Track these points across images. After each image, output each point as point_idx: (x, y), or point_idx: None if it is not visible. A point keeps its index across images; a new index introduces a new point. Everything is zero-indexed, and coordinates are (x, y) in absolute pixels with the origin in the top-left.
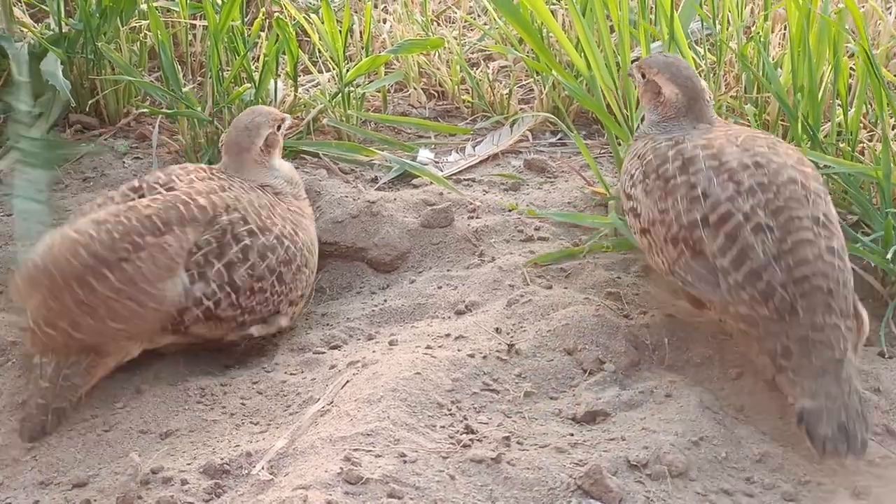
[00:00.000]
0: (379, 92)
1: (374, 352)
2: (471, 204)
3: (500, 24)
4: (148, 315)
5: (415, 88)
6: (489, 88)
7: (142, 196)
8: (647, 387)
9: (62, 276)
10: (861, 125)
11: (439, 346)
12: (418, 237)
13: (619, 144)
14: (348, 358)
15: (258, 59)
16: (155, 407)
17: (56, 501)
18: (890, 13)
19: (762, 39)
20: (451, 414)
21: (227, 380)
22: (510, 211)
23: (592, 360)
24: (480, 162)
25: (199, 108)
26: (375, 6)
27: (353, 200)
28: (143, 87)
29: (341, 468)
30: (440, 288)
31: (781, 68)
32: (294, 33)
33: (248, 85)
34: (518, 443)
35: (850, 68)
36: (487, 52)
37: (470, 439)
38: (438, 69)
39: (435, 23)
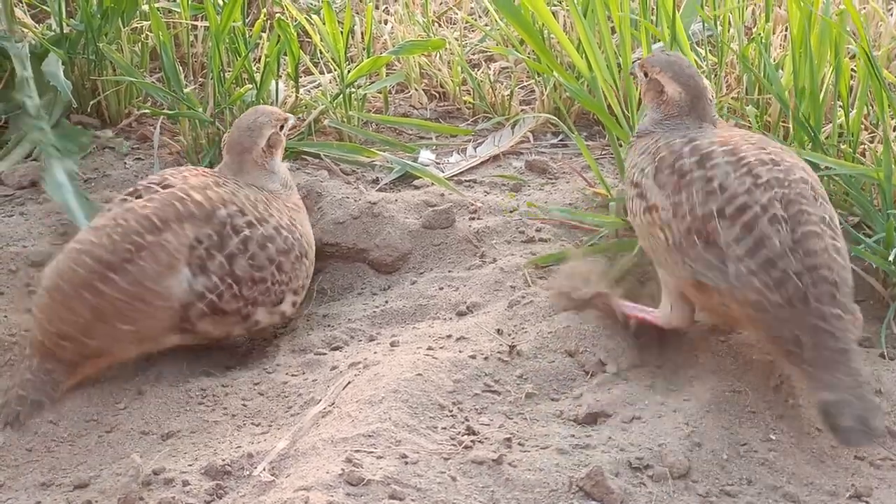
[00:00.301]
0: (380, 93)
1: (375, 353)
2: (472, 205)
3: (501, 26)
4: (157, 313)
5: (416, 89)
6: (490, 89)
7: (139, 197)
8: (649, 388)
9: (71, 286)
10: (862, 126)
11: (441, 348)
12: (419, 238)
13: (621, 146)
14: (349, 359)
15: (259, 59)
16: (156, 408)
17: (57, 502)
18: (891, 14)
19: (763, 41)
20: (452, 415)
21: (228, 381)
22: (511, 212)
23: (594, 361)
24: (482, 163)
25: (200, 109)
26: (377, 7)
27: (355, 201)
28: (145, 88)
29: (343, 469)
30: (441, 289)
31: (783, 70)
32: (295, 34)
33: (250, 86)
34: (519, 444)
35: (852, 70)
36: (489, 54)
37: (471, 440)
38: (440, 70)
39: (436, 24)
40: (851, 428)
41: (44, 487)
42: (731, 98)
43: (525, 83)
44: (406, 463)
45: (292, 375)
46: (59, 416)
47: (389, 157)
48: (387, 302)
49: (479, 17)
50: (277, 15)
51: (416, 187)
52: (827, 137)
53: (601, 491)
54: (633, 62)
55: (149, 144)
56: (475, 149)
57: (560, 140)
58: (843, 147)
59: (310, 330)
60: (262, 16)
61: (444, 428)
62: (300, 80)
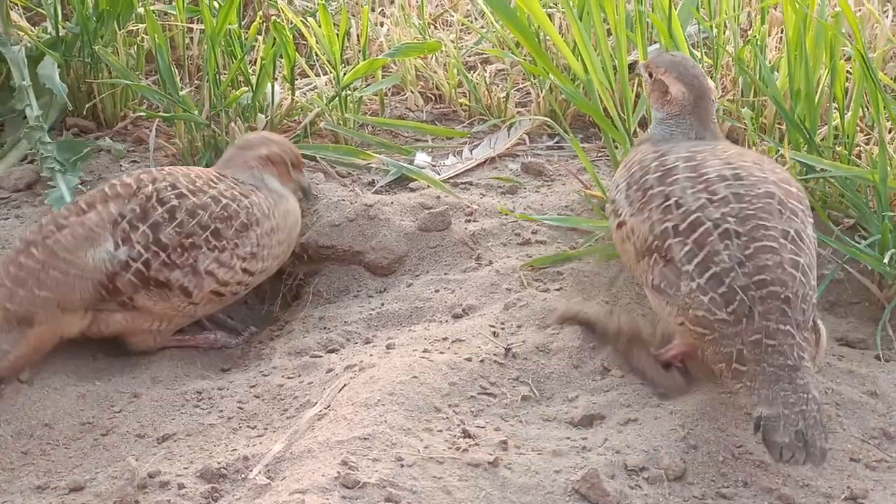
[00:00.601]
0: (376, 95)
1: (371, 355)
2: (468, 207)
3: (496, 28)
4: (72, 282)
5: (412, 92)
6: (486, 92)
7: None
8: (645, 390)
9: (2, 264)
10: (858, 128)
11: (436, 350)
12: (415, 241)
13: (616, 148)
14: (345, 362)
15: (255, 62)
16: (152, 411)
17: None
18: (887, 16)
19: (759, 43)
20: (448, 418)
21: (224, 383)
22: (507, 215)
23: (589, 363)
24: (477, 165)
25: (196, 112)
26: (372, 10)
27: (350, 204)
28: (140, 91)
29: (338, 472)
30: (437, 291)
31: (778, 72)
32: (291, 37)
33: (246, 88)
34: (515, 447)
35: (847, 72)
36: (484, 56)
37: (467, 443)
38: (435, 73)
39: (432, 26)
40: (787, 444)
41: (39, 490)
42: (727, 100)
43: (521, 85)
44: (402, 466)
45: (288, 378)
46: (54, 418)
47: (385, 159)
48: (383, 304)
49: (475, 19)
50: (273, 17)
51: (412, 190)
52: (822, 139)
53: (597, 493)
54: (629, 65)
55: (144, 147)
56: (471, 151)
57: (556, 142)
58: (838, 149)
59: (306, 332)
60: (257, 18)
61: (440, 430)
62: (296, 82)
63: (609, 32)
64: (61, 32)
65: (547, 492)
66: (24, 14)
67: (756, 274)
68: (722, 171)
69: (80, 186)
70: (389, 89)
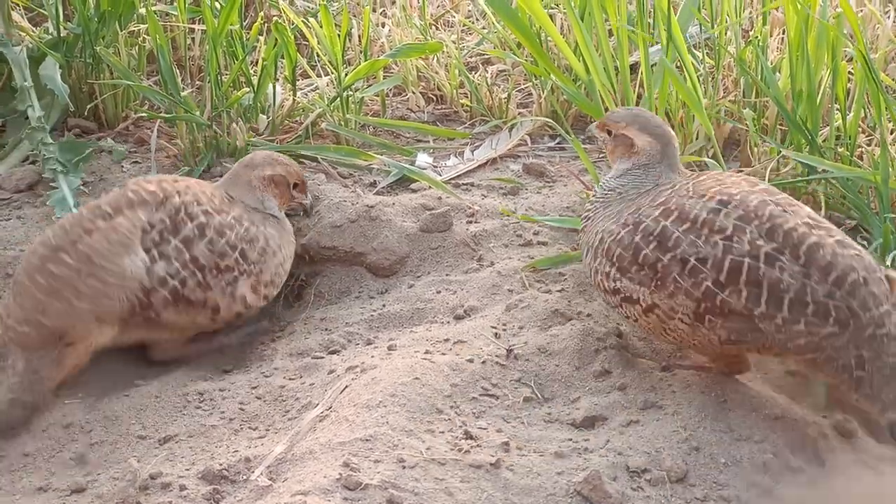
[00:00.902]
0: (377, 96)
1: (372, 357)
2: (469, 208)
3: (498, 29)
4: (111, 292)
5: (413, 92)
6: (488, 93)
7: None
8: (647, 392)
9: (26, 273)
10: (859, 129)
11: (438, 351)
12: (417, 242)
13: None
14: (347, 363)
15: (257, 63)
16: (154, 412)
17: None
18: (888, 17)
19: (760, 44)
20: (449, 419)
21: (225, 385)
22: (507, 216)
23: (591, 365)
24: (479, 166)
25: (197, 113)
26: (374, 10)
27: (352, 205)
28: (142, 92)
29: (340, 474)
30: (439, 293)
31: (780, 72)
32: (293, 37)
33: (247, 89)
34: (517, 448)
35: (849, 72)
36: (486, 57)
37: (469, 445)
38: (437, 73)
39: (433, 27)
40: None
41: (41, 491)
42: (729, 101)
43: (522, 86)
44: (403, 467)
45: (290, 379)
46: (55, 419)
47: (387, 160)
48: (384, 306)
49: (477, 20)
50: (275, 18)
51: (414, 191)
52: (824, 140)
53: (599, 495)
54: (631, 66)
55: (146, 148)
56: (472, 152)
57: (557, 143)
58: (840, 150)
59: (307, 334)
60: (259, 19)
61: (442, 432)
62: (297, 83)
63: (611, 33)
64: (63, 33)
65: (549, 493)
66: (26, 15)
67: (826, 274)
68: (707, 205)
69: (81, 187)
70: (391, 90)
